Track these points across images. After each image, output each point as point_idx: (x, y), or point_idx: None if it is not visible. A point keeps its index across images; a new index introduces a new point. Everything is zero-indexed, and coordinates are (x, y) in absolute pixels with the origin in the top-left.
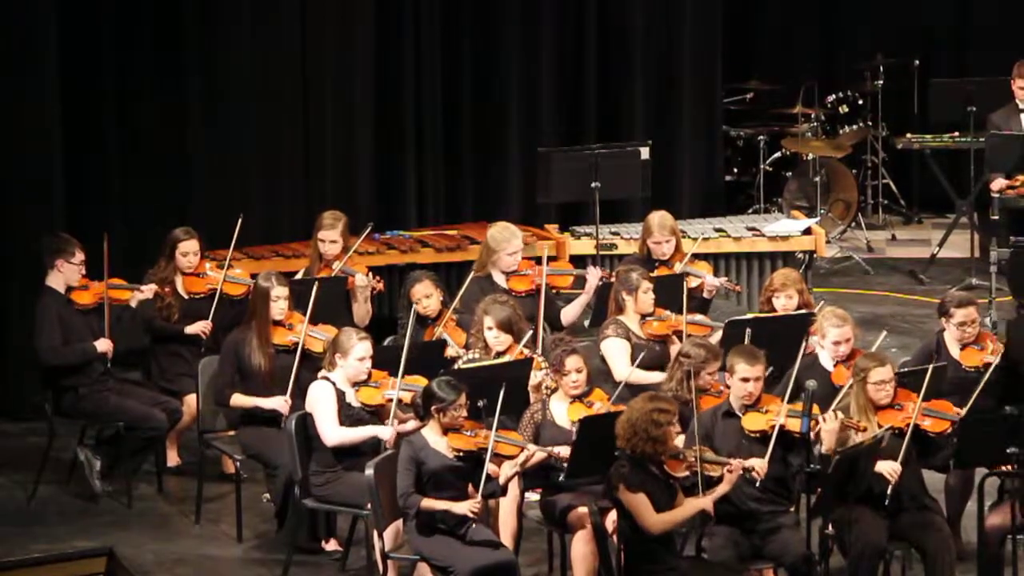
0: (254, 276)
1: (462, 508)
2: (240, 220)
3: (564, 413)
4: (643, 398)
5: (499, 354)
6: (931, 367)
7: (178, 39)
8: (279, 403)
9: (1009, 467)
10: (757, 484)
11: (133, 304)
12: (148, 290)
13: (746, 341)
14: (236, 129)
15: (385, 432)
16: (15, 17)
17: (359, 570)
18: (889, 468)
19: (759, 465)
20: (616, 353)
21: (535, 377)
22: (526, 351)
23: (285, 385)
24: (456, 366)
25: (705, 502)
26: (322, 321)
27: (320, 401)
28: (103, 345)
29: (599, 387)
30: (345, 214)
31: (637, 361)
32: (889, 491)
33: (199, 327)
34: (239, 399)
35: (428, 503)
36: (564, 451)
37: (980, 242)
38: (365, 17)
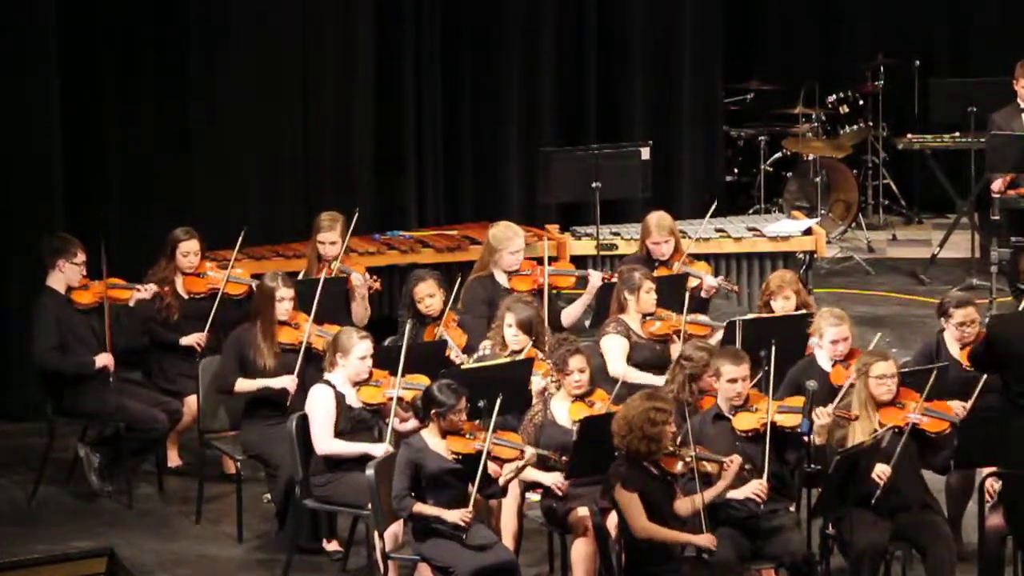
0: (255, 276)
1: (453, 517)
2: (243, 233)
3: (566, 413)
4: (640, 396)
5: (512, 353)
6: (936, 367)
7: (178, 39)
8: (287, 381)
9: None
10: (762, 507)
11: (132, 304)
12: (147, 290)
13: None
14: (236, 129)
15: (378, 450)
16: (15, 17)
17: (360, 570)
18: (879, 470)
19: (760, 488)
20: (613, 349)
21: (538, 383)
22: (539, 353)
23: None
24: (464, 365)
25: (702, 539)
26: (322, 321)
27: (317, 408)
28: (102, 360)
29: (601, 387)
30: (345, 214)
31: (636, 360)
32: (878, 493)
33: (194, 339)
34: (244, 383)
35: (420, 508)
36: (552, 478)
37: (981, 242)
38: (365, 17)
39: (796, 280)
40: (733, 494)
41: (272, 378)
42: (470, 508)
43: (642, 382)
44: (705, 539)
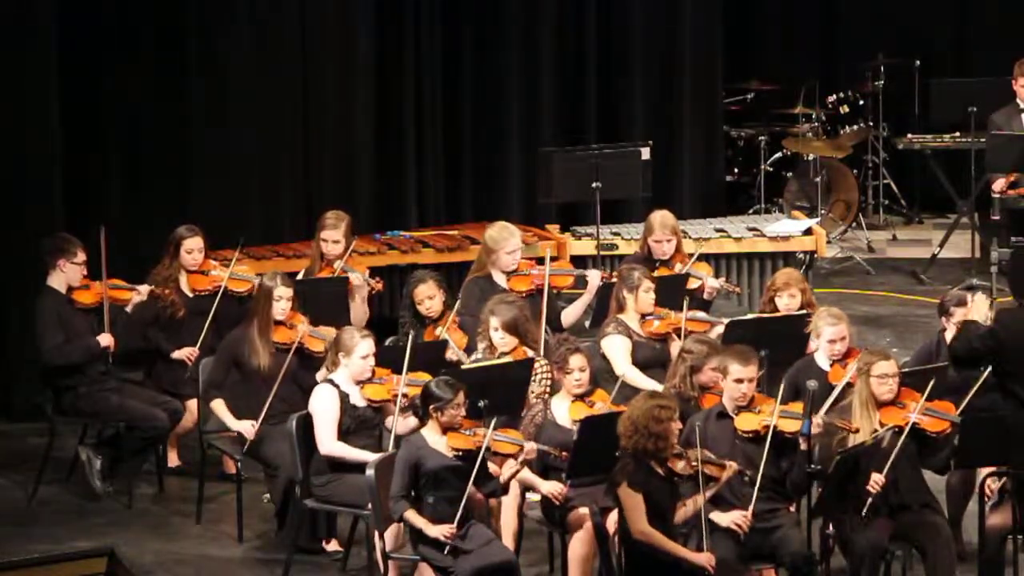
0: (259, 275)
1: (435, 532)
2: (241, 242)
3: (566, 412)
4: (644, 396)
5: (503, 355)
6: (935, 367)
7: (178, 39)
8: (245, 427)
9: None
10: (742, 536)
11: (129, 310)
12: (143, 292)
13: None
14: (236, 129)
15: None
16: (16, 17)
17: (360, 570)
18: (873, 479)
19: (743, 520)
20: (616, 350)
21: (537, 385)
22: (530, 352)
23: (284, 384)
24: (462, 366)
25: (702, 558)
26: (322, 322)
27: (321, 409)
28: (105, 340)
29: (601, 387)
30: (346, 214)
31: (636, 359)
32: (869, 502)
33: (185, 353)
34: (217, 405)
35: (409, 516)
36: (549, 486)
37: (981, 242)
38: (365, 17)
39: (802, 279)
40: (716, 518)
41: (236, 420)
42: (453, 525)
43: (642, 387)
44: (704, 558)
